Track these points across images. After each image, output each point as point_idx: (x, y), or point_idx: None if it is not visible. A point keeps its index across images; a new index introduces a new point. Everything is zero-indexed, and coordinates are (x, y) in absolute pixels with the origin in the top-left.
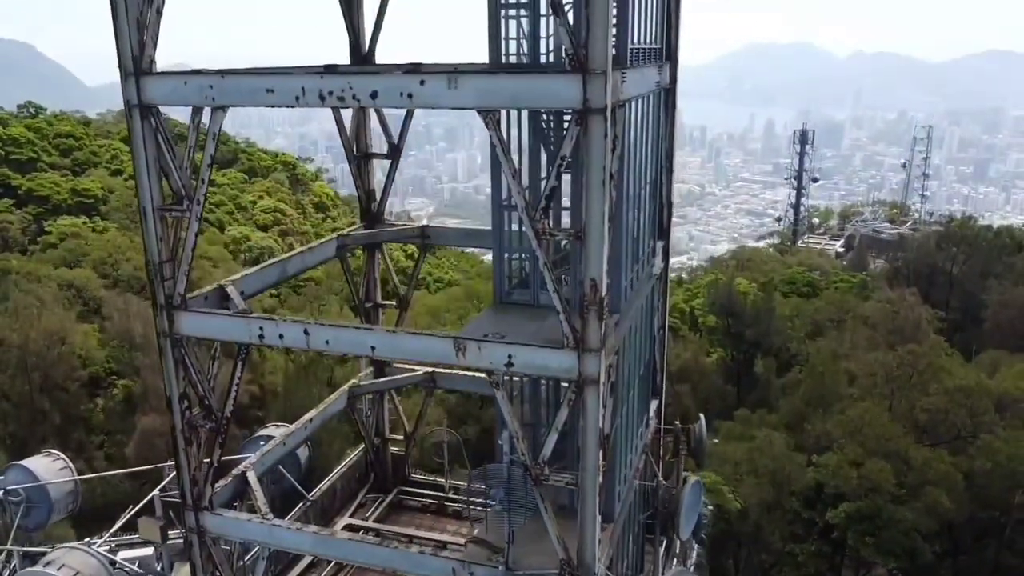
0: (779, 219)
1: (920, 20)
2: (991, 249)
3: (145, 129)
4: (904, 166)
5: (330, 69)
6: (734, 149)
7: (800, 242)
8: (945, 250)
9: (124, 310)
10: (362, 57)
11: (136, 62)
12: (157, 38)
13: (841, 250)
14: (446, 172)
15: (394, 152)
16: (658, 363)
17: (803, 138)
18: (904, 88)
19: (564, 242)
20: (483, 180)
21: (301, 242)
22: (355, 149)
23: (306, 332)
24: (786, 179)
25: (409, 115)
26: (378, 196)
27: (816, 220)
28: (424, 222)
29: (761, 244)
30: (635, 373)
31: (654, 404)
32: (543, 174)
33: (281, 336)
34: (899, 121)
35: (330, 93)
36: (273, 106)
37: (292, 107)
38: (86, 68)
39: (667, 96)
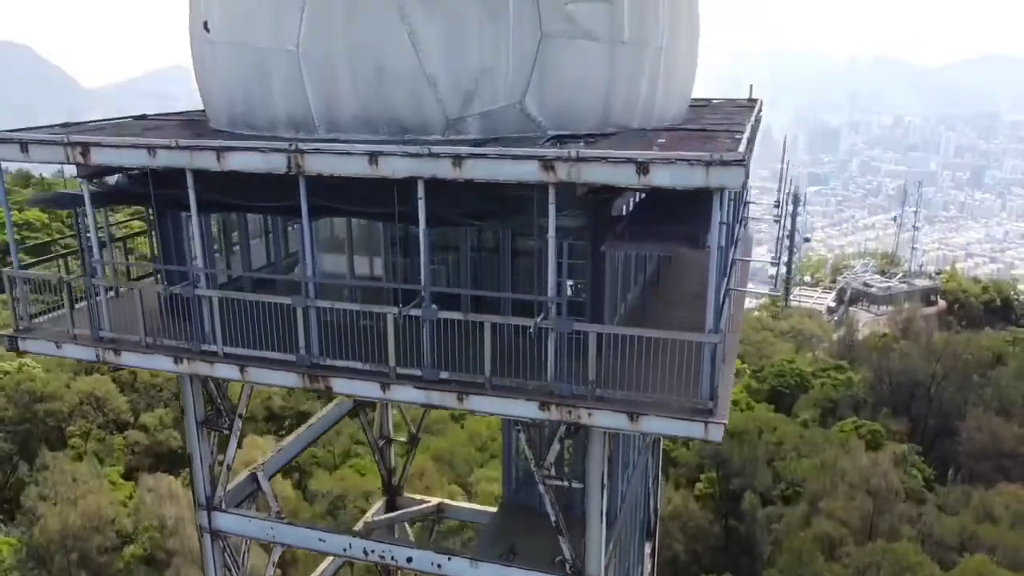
0: (772, 276)
1: (917, 25)
2: (968, 365)
3: (215, 549)
4: (895, 219)
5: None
6: None
7: (792, 295)
8: (924, 369)
9: (155, 490)
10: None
11: (208, 500)
12: (227, 484)
13: (832, 304)
14: None
15: (413, 439)
16: (652, 509)
17: (795, 200)
18: (901, 93)
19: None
20: None
21: None
22: (378, 437)
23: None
24: (779, 240)
25: (427, 412)
26: (398, 474)
27: (807, 278)
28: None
29: (755, 268)
30: (631, 538)
31: (648, 546)
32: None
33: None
34: (896, 126)
35: (372, 551)
36: (323, 552)
37: (339, 556)
38: (84, 70)
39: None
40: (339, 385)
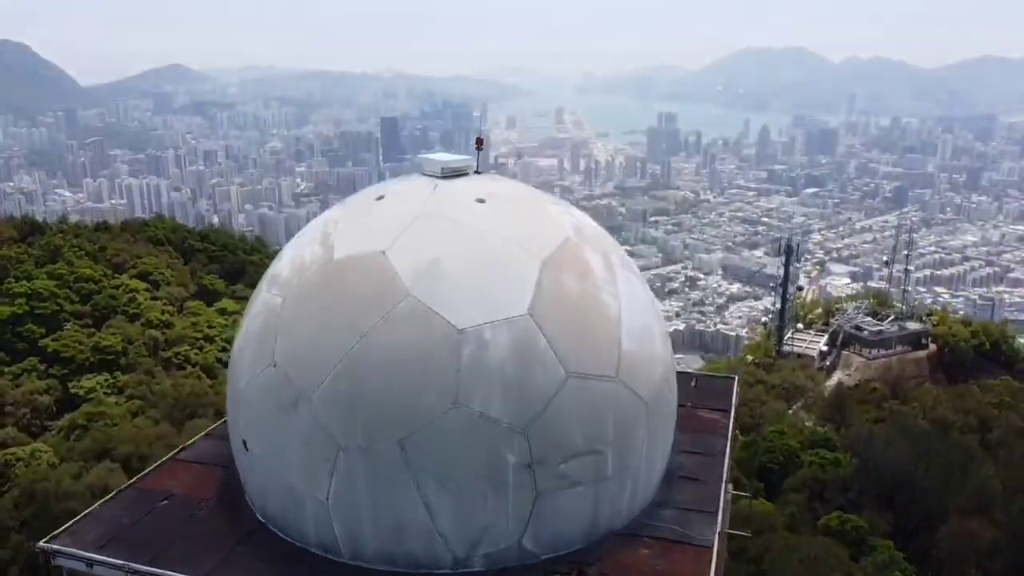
0: (764, 323)
1: (914, 25)
2: (951, 461)
3: None
4: (887, 264)
5: None
6: (729, 155)
7: (786, 339)
8: (910, 462)
9: None
10: None
11: None
12: None
13: (824, 348)
14: None
15: None
16: None
17: (788, 249)
18: (898, 93)
19: None
20: None
21: None
22: None
23: None
24: (771, 287)
25: None
26: None
27: (800, 325)
28: None
29: (753, 320)
30: None
31: None
32: None
33: None
34: (893, 128)
35: None
36: None
37: None
38: (80, 68)
39: None
40: None
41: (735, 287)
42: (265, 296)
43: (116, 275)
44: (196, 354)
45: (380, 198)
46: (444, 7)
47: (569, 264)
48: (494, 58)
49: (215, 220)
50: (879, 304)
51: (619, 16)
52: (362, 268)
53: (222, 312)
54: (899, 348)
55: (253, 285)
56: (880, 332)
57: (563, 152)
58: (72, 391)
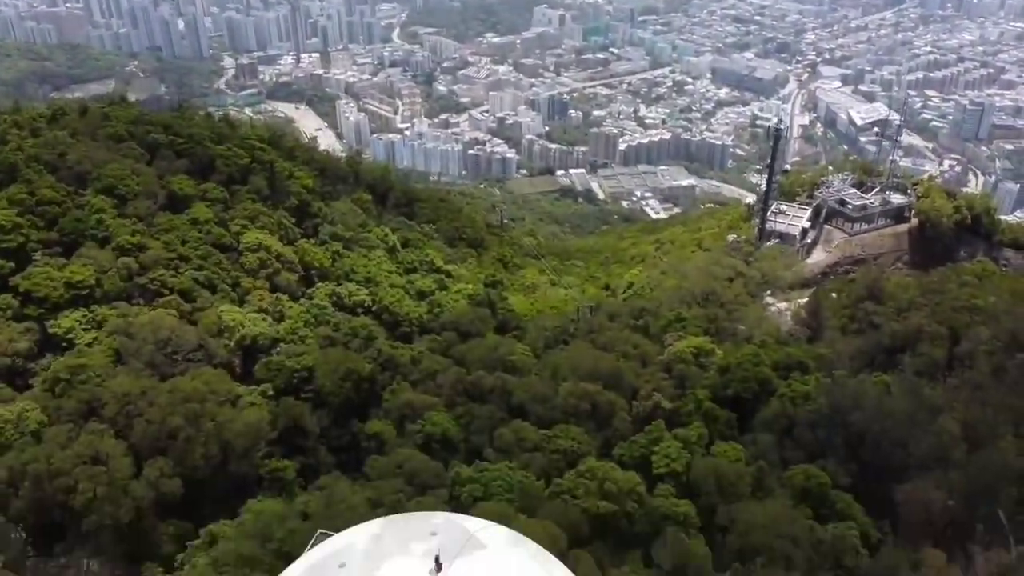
0: (749, 205)
1: None
2: (915, 414)
3: None
4: (877, 133)
5: None
6: None
7: (769, 214)
8: (875, 416)
9: None
10: None
11: None
12: None
13: (807, 225)
14: None
15: None
16: None
17: (776, 134)
18: None
19: None
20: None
21: (287, 286)
22: None
23: None
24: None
25: None
26: None
27: (783, 206)
28: None
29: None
30: None
31: None
32: None
33: None
34: None
35: None
36: None
37: None
38: None
39: None
40: None
41: (723, 92)
42: None
43: (80, 192)
44: (172, 276)
45: None
46: None
47: None
48: None
49: (180, 25)
50: (865, 174)
51: None
52: None
53: (194, 223)
54: (881, 222)
55: (223, 183)
56: (864, 207)
57: None
58: (51, 331)
